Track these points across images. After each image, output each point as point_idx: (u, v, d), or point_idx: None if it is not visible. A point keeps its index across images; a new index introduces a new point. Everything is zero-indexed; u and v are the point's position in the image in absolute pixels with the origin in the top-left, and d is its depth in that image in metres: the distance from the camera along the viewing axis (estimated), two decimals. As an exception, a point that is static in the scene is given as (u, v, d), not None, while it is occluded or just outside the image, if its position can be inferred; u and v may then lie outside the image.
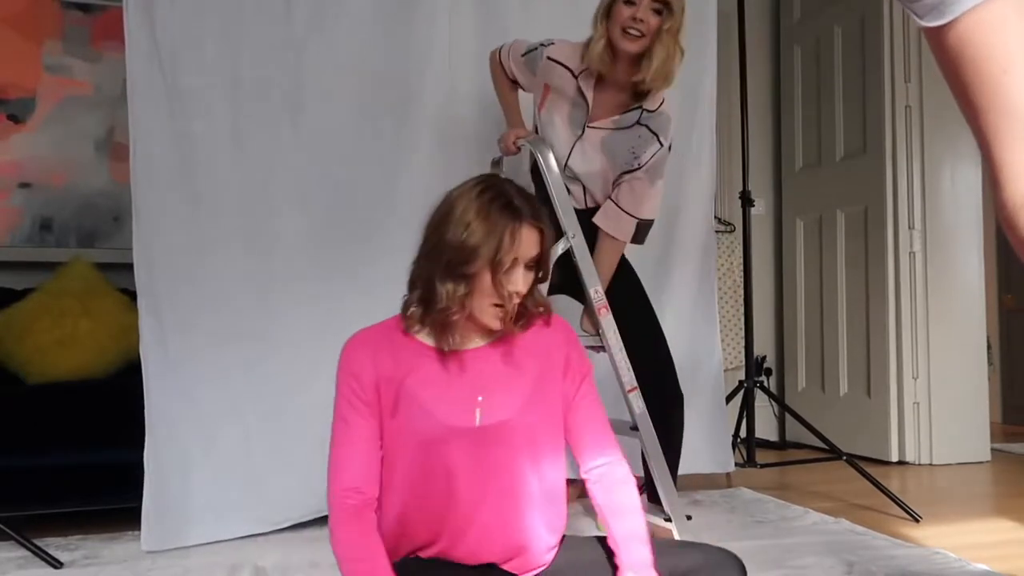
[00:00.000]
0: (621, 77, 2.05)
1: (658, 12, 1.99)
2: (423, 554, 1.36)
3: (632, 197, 2.08)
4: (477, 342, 1.38)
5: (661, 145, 2.02)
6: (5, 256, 3.09)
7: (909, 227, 3.55)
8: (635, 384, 2.02)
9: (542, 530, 1.36)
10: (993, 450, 3.62)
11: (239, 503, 2.30)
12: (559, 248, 2.01)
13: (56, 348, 2.68)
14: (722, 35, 3.02)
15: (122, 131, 3.03)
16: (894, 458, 3.53)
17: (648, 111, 2.05)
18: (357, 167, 2.48)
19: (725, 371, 3.17)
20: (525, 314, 1.38)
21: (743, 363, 3.16)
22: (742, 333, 3.27)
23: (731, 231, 3.95)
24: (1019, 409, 4.79)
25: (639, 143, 2.04)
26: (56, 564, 2.06)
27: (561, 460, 1.40)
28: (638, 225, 2.11)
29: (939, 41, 0.84)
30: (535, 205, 1.34)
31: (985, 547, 2.25)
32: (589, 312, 2.04)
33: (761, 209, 4.15)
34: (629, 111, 2.07)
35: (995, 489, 3.15)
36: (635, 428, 2.03)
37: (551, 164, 1.99)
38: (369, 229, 2.47)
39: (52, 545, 2.21)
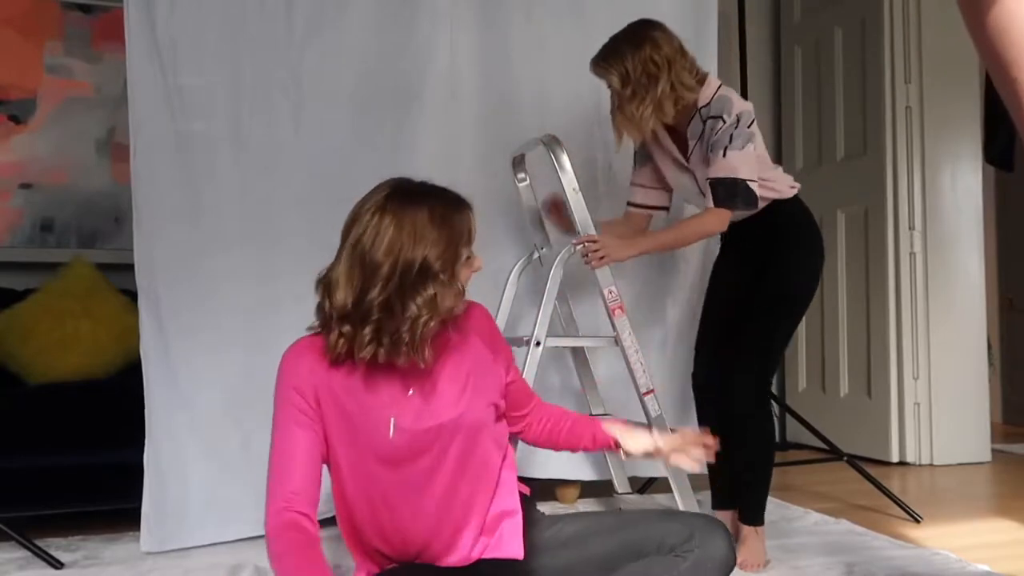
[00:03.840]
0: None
1: (610, 85, 2.11)
2: (398, 559, 1.39)
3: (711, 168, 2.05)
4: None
5: (725, 121, 2.00)
6: (6, 257, 3.09)
7: (909, 228, 3.55)
8: (651, 387, 2.02)
9: (504, 512, 1.40)
10: (994, 450, 3.62)
11: (239, 505, 2.30)
12: (574, 248, 2.01)
13: (57, 349, 2.68)
14: (722, 35, 3.01)
15: (123, 131, 3.03)
16: (895, 459, 3.53)
17: (703, 107, 2.06)
18: (358, 168, 2.47)
19: (726, 372, 3.16)
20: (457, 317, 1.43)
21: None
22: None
23: (731, 232, 3.95)
24: (1020, 409, 4.79)
25: (712, 135, 2.03)
26: (57, 565, 2.07)
27: (506, 443, 1.47)
28: (711, 184, 2.03)
29: (976, 10, 0.81)
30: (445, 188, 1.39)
31: (986, 548, 2.25)
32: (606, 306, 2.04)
33: (761, 209, 4.14)
34: (691, 123, 2.09)
35: (996, 490, 3.16)
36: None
37: (564, 164, 1.99)
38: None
39: (53, 546, 2.21)
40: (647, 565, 1.34)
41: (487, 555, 1.37)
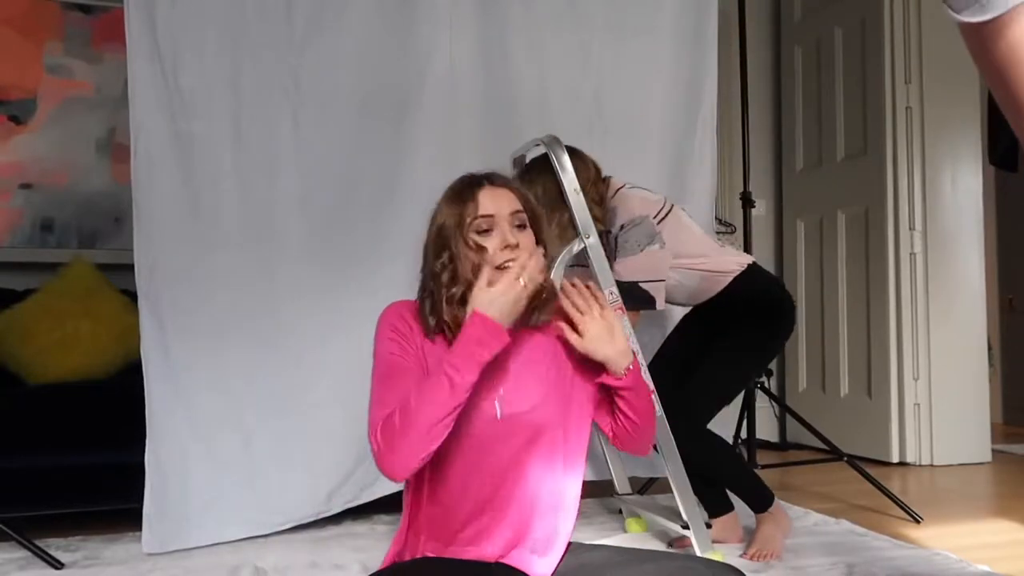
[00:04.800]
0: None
1: None
2: (437, 542, 1.36)
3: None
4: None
5: (612, 233, 2.13)
6: (6, 257, 3.09)
7: (910, 228, 3.55)
8: (651, 388, 2.02)
9: (549, 531, 1.37)
10: (994, 451, 3.62)
11: (239, 505, 2.30)
12: (575, 247, 2.01)
13: (57, 349, 2.68)
14: (723, 35, 3.02)
15: (123, 132, 3.03)
16: (895, 459, 3.53)
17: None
18: (358, 168, 2.48)
19: (726, 372, 3.17)
20: (546, 300, 1.39)
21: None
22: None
23: (732, 232, 3.95)
24: (1020, 410, 4.79)
25: (608, 243, 2.16)
26: (57, 565, 2.07)
27: (578, 465, 1.42)
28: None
29: (981, 38, 0.79)
30: (505, 177, 1.41)
31: (986, 548, 2.25)
32: None
33: (762, 210, 4.15)
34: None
35: (996, 490, 3.16)
36: None
37: (565, 165, 1.99)
38: (370, 230, 2.48)
39: (53, 546, 2.21)
40: None
41: (512, 562, 1.34)
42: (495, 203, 1.35)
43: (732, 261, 2.21)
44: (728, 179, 4.07)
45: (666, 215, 2.16)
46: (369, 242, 2.46)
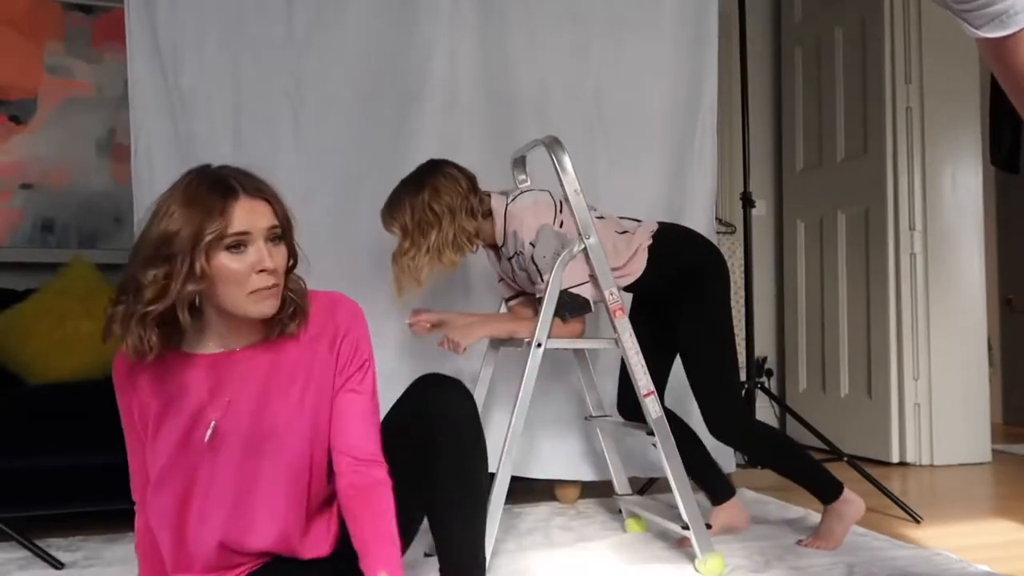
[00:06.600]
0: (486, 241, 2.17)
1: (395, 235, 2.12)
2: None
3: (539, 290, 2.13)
4: (245, 341, 1.32)
5: (523, 254, 2.08)
6: (6, 257, 3.09)
7: (910, 228, 3.55)
8: (651, 388, 2.02)
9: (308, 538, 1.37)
10: (994, 451, 3.62)
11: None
12: (574, 249, 2.01)
13: (57, 349, 2.68)
14: (723, 36, 3.02)
15: (123, 132, 3.03)
16: (895, 459, 3.54)
17: (501, 247, 2.14)
18: (358, 167, 2.48)
19: (726, 372, 3.16)
20: (295, 313, 1.32)
21: (744, 364, 3.16)
22: (743, 334, 3.27)
23: (732, 232, 3.96)
24: (1020, 410, 4.79)
25: (522, 267, 2.12)
26: (57, 565, 2.07)
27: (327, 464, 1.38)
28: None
29: (1001, 53, 0.82)
30: (257, 180, 1.28)
31: (986, 548, 2.25)
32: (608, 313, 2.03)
33: (762, 210, 4.15)
34: (500, 256, 2.19)
35: (996, 490, 3.16)
36: (651, 433, 2.03)
37: (566, 166, 1.99)
38: (370, 230, 2.47)
39: (53, 546, 2.21)
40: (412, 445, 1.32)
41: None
42: (251, 218, 1.23)
43: (638, 239, 2.15)
44: (728, 179, 4.07)
45: (563, 210, 2.09)
46: (368, 242, 2.46)
